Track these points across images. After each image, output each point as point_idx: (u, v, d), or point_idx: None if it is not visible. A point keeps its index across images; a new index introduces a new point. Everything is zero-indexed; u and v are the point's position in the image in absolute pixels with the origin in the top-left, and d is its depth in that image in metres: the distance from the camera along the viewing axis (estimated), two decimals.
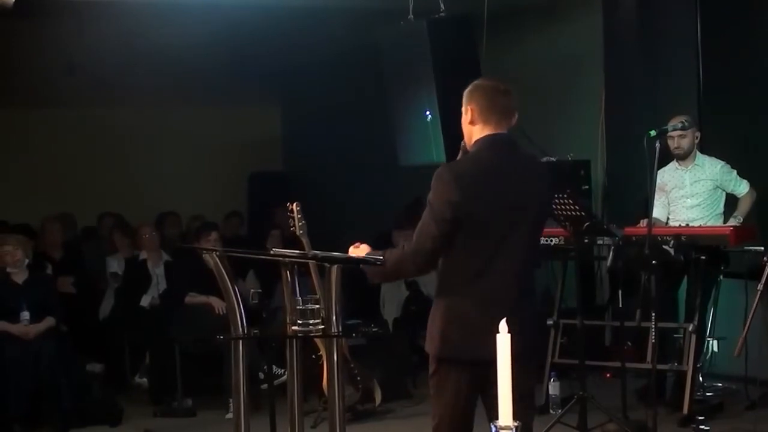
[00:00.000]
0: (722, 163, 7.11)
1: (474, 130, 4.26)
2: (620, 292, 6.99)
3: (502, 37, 8.87)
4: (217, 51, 10.30)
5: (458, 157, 4.37)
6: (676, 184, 7.19)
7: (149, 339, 8.66)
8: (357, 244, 4.36)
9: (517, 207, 4.18)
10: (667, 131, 6.50)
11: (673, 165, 7.22)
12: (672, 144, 7.08)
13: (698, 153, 7.17)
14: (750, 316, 4.98)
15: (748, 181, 7.09)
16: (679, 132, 6.96)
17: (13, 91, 10.85)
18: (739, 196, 7.11)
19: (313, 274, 6.33)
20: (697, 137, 7.13)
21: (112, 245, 9.83)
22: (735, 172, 7.10)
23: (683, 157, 7.14)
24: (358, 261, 4.38)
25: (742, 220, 6.98)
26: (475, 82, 4.34)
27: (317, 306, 4.30)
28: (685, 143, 7.08)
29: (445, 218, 4.08)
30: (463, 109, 4.28)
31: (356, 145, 10.87)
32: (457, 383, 4.18)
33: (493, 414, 4.02)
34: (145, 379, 8.76)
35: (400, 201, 9.44)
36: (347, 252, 4.32)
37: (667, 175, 7.20)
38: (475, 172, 4.19)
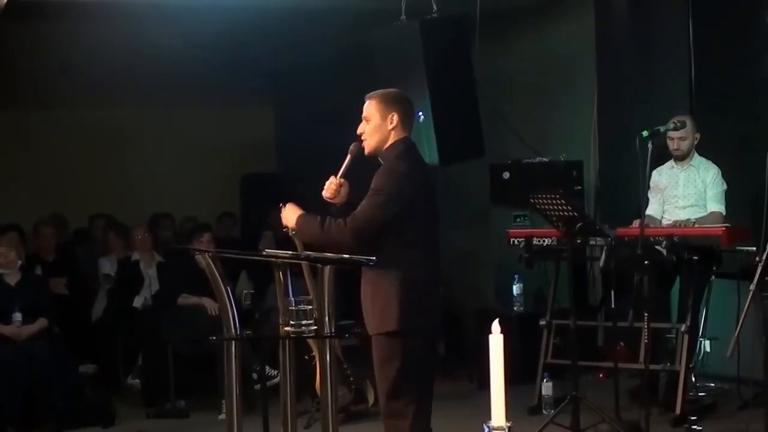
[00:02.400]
0: (716, 170, 7.06)
1: (391, 134, 4.76)
2: (613, 292, 7.00)
3: (495, 37, 8.88)
4: (210, 52, 10.29)
5: (348, 159, 4.82)
6: (670, 183, 7.19)
7: (142, 340, 8.66)
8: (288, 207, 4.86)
9: (433, 203, 4.84)
10: (659, 132, 6.49)
11: (669, 164, 7.22)
12: (672, 145, 7.08)
13: (696, 154, 7.16)
14: (742, 317, 4.98)
15: (742, 180, 7.08)
16: (679, 134, 6.96)
17: (5, 92, 10.84)
18: (707, 210, 7.07)
19: (305, 275, 6.33)
20: (696, 138, 7.12)
21: (105, 246, 9.83)
22: (723, 188, 7.05)
23: (681, 158, 7.15)
24: (349, 262, 4.42)
25: (694, 222, 6.92)
26: (394, 90, 4.89)
27: (310, 307, 4.31)
28: (684, 145, 7.07)
29: (396, 207, 4.62)
30: (381, 114, 4.75)
31: (349, 146, 10.85)
32: (423, 351, 4.71)
33: None
34: (137, 380, 8.76)
35: None
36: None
37: (664, 174, 7.20)
38: (417, 170, 4.79)
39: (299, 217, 4.76)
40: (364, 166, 4.90)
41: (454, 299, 9.67)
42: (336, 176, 4.80)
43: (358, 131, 4.83)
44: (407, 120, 4.81)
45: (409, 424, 4.65)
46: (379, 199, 4.63)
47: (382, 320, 4.63)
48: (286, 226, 6.34)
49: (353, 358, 7.25)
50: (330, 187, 4.79)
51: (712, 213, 7.00)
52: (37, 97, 11.24)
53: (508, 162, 8.57)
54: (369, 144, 4.79)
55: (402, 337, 4.61)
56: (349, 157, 4.80)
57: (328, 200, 4.81)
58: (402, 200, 4.63)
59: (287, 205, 4.86)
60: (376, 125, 4.76)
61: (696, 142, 7.12)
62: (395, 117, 4.75)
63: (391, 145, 4.77)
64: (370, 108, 4.79)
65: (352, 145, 4.82)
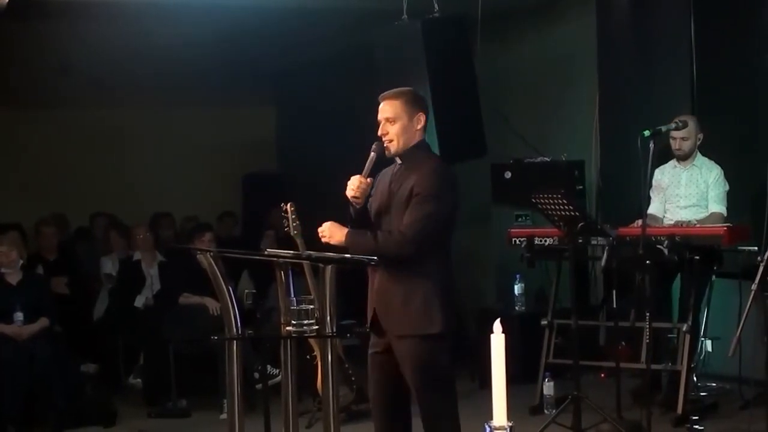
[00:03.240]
0: (718, 171, 7.05)
1: (416, 135, 4.72)
2: (614, 292, 7.00)
3: (496, 37, 8.88)
4: (211, 52, 10.29)
5: (371, 159, 4.70)
6: (672, 182, 7.19)
7: (143, 340, 8.66)
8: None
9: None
10: (660, 131, 6.49)
11: (672, 163, 7.21)
12: (674, 145, 7.08)
13: (699, 154, 7.16)
14: (744, 316, 4.99)
15: (743, 179, 7.08)
16: (681, 134, 6.96)
17: (6, 91, 10.84)
18: (708, 210, 7.07)
19: (307, 275, 6.33)
20: (699, 139, 7.11)
21: (106, 245, 9.83)
22: (724, 189, 7.05)
23: (684, 158, 7.15)
24: (352, 261, 4.42)
25: (695, 224, 6.93)
26: (412, 90, 4.83)
27: (311, 306, 4.30)
28: (686, 145, 7.07)
29: (451, 216, 4.67)
30: (408, 114, 4.70)
31: (350, 145, 10.84)
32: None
33: None
34: (139, 380, 8.76)
35: None
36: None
37: (666, 173, 7.20)
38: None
39: (348, 234, 4.64)
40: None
41: (456, 298, 9.65)
42: (363, 176, 4.67)
43: (381, 132, 4.71)
44: (427, 121, 4.78)
45: (457, 424, 4.78)
46: (433, 206, 4.59)
47: (424, 322, 4.64)
48: (287, 226, 6.37)
49: (355, 357, 7.25)
50: (361, 186, 4.65)
51: (713, 214, 6.99)
52: (37, 96, 11.25)
53: (510, 161, 8.57)
54: (396, 145, 4.69)
55: (446, 338, 4.70)
56: (373, 155, 4.70)
57: (354, 200, 4.69)
58: (452, 203, 4.67)
59: (328, 223, 4.70)
60: (404, 126, 4.67)
61: (699, 143, 7.11)
62: (422, 118, 4.72)
63: (415, 146, 4.72)
64: (396, 108, 4.69)
65: (375, 144, 4.72)
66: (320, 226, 4.80)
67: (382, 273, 4.67)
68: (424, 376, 4.66)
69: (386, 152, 4.71)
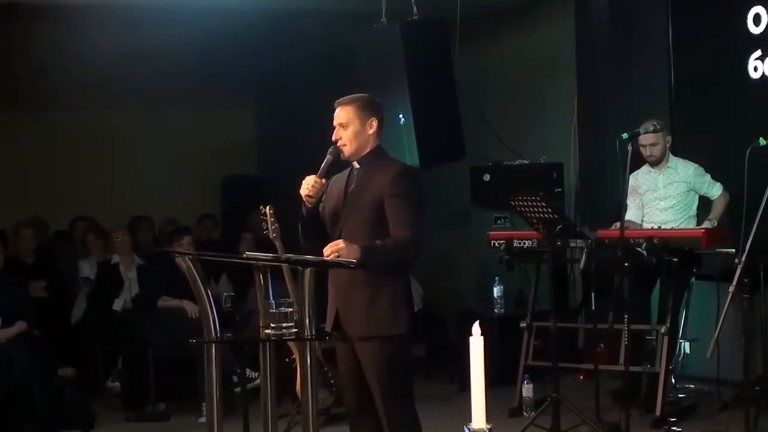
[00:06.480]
0: (695, 165, 7.15)
1: (370, 140, 4.81)
2: (593, 294, 7.02)
3: (475, 40, 8.89)
4: (191, 54, 10.27)
5: (326, 162, 4.79)
6: (649, 187, 7.22)
7: (122, 343, 8.61)
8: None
9: None
10: (639, 134, 6.53)
11: (646, 167, 7.25)
12: (645, 152, 7.10)
13: (671, 155, 7.20)
14: (722, 318, 5.02)
15: (721, 183, 7.13)
16: (650, 141, 7.00)
17: None
18: (712, 199, 7.15)
19: (286, 278, 6.32)
20: (668, 141, 7.16)
21: (85, 248, 9.78)
22: (708, 175, 7.13)
23: (656, 163, 7.18)
24: (330, 264, 4.42)
25: (716, 222, 7.01)
26: (368, 96, 4.91)
27: (290, 309, 4.29)
28: (656, 151, 7.11)
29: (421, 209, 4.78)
30: (360, 119, 4.79)
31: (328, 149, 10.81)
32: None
33: None
34: (117, 384, 8.71)
35: None
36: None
37: (641, 178, 7.23)
38: None
39: (364, 249, 4.50)
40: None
41: (435, 301, 9.67)
42: (318, 176, 4.76)
43: (334, 137, 4.82)
44: (383, 125, 4.86)
45: (418, 424, 4.79)
46: (416, 206, 4.71)
47: (391, 323, 4.68)
48: (266, 229, 6.36)
49: (334, 360, 7.22)
50: (316, 185, 4.74)
51: (719, 197, 7.08)
52: (17, 98, 11.18)
53: (489, 164, 8.58)
54: (349, 149, 4.79)
55: (410, 339, 4.80)
56: (329, 158, 4.80)
57: (307, 199, 4.77)
58: (422, 201, 4.79)
59: (341, 242, 4.52)
60: (356, 131, 4.78)
61: (668, 145, 7.16)
62: (375, 122, 4.79)
63: (372, 150, 4.82)
64: (348, 114, 4.79)
65: (332, 148, 4.82)
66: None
67: (347, 274, 4.67)
68: (390, 377, 4.70)
69: (341, 156, 4.82)
